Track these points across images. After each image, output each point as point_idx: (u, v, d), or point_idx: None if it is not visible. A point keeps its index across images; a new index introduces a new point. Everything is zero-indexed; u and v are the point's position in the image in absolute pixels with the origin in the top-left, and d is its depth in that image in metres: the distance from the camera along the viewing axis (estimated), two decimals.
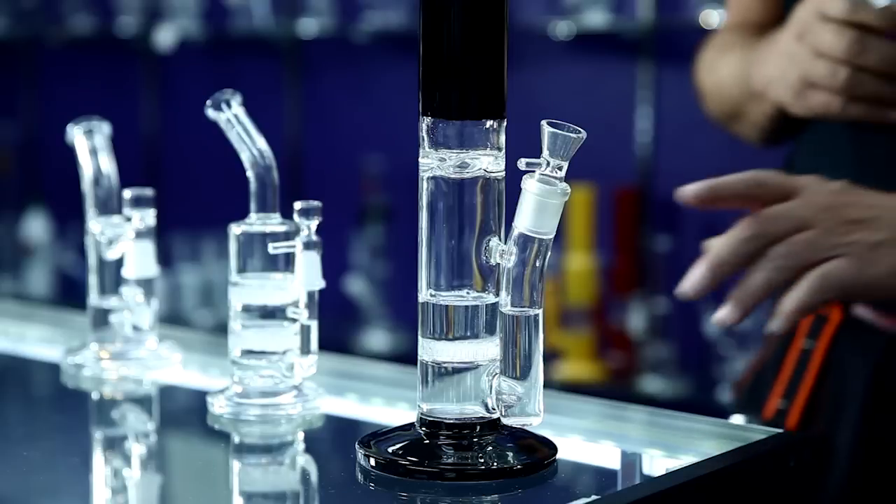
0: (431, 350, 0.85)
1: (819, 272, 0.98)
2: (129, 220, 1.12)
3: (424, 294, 0.85)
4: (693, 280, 0.99)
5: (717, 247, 0.99)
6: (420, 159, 0.85)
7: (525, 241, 0.82)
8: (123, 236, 1.12)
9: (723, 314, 0.99)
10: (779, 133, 1.33)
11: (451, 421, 0.85)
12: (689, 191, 1.01)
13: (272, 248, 0.98)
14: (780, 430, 0.94)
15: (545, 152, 0.81)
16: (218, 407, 0.99)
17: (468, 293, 0.84)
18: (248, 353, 0.99)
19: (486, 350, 0.85)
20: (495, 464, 0.84)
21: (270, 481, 0.91)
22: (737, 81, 1.32)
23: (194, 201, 3.80)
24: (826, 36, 1.13)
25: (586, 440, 0.97)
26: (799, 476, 0.93)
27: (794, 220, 0.99)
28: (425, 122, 0.84)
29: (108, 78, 4.15)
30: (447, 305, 0.84)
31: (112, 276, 1.13)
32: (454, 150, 0.83)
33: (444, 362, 0.85)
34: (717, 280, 0.99)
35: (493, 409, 0.85)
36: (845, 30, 1.13)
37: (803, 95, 1.18)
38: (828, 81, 1.15)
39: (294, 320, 0.99)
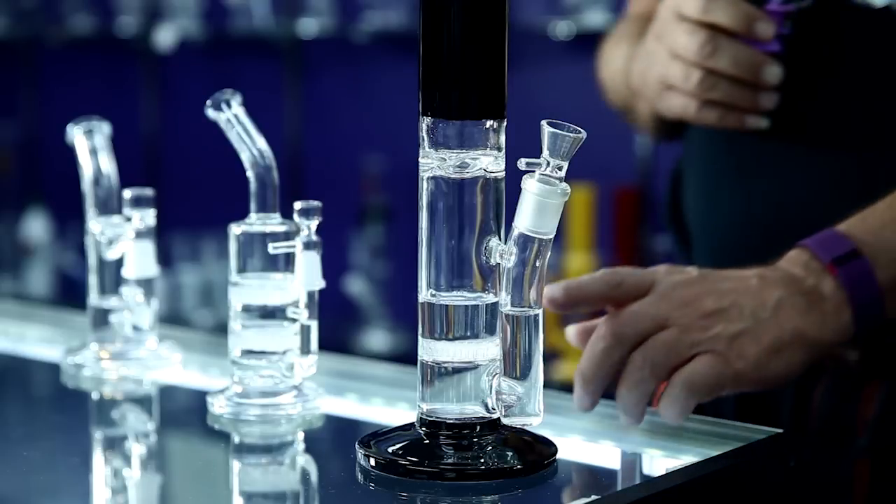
0: (431, 350, 0.85)
1: (682, 377, 0.94)
2: (129, 220, 1.12)
3: (424, 294, 0.85)
4: (577, 401, 0.96)
5: (582, 364, 0.96)
6: (420, 159, 0.85)
7: (525, 241, 0.82)
8: (123, 236, 1.12)
9: (624, 422, 0.96)
10: (668, 130, 1.29)
11: (451, 421, 0.85)
12: (544, 296, 0.97)
13: (272, 248, 0.98)
14: (780, 431, 0.94)
15: (545, 152, 0.81)
16: (218, 407, 0.99)
17: (468, 293, 0.84)
18: (248, 353, 0.99)
19: (486, 350, 0.85)
20: (495, 464, 0.84)
21: (270, 481, 0.91)
22: (623, 77, 1.28)
23: (194, 201, 3.80)
24: (680, 37, 1.10)
25: (586, 440, 0.97)
26: (799, 476, 0.93)
27: (651, 319, 0.95)
28: (425, 122, 0.84)
29: (108, 78, 4.15)
30: (447, 305, 0.84)
31: (112, 276, 1.13)
32: (454, 150, 0.83)
33: (444, 362, 0.85)
34: (595, 394, 0.96)
35: (493, 409, 0.85)
36: (698, 30, 1.09)
37: (663, 97, 1.14)
38: (682, 84, 1.11)
39: (294, 320, 0.99)
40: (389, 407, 1.08)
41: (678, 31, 1.10)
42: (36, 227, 4.12)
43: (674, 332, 0.94)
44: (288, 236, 0.99)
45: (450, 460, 0.84)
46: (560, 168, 0.81)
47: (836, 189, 1.12)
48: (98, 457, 0.96)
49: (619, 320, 0.96)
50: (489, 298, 0.84)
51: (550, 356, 3.09)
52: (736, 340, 0.94)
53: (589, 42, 3.32)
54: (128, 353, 1.13)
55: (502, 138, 0.84)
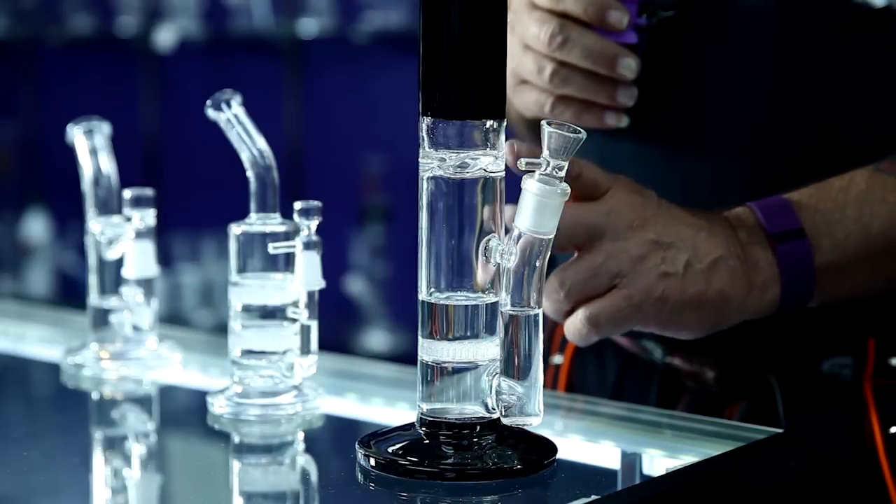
0: (431, 350, 0.85)
1: (589, 313, 0.93)
2: (129, 220, 1.12)
3: (424, 294, 0.85)
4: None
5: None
6: (420, 159, 0.85)
7: (525, 241, 0.82)
8: (123, 236, 1.12)
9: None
10: (533, 128, 1.17)
11: (451, 421, 0.85)
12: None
13: (272, 248, 0.98)
14: (780, 431, 0.94)
15: (545, 152, 0.81)
16: (218, 407, 0.99)
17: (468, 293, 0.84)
18: (248, 353, 0.99)
19: (486, 350, 0.85)
20: (495, 464, 0.84)
21: (270, 481, 0.91)
22: None
23: (194, 201, 3.79)
24: (531, 26, 1.02)
25: (586, 440, 0.97)
26: (799, 476, 0.93)
27: (589, 227, 0.93)
28: (425, 122, 0.84)
29: (108, 78, 4.15)
30: (447, 305, 0.84)
31: (112, 276, 1.13)
32: (454, 150, 0.83)
33: (445, 362, 0.85)
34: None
35: (493, 409, 0.85)
36: (550, 19, 1.01)
37: (518, 92, 1.06)
38: (535, 78, 1.03)
39: (294, 320, 0.99)
40: (389, 407, 1.08)
41: (529, 21, 1.02)
42: (36, 227, 4.12)
43: (599, 256, 0.93)
44: (288, 236, 0.99)
45: (450, 460, 0.84)
46: (560, 168, 0.81)
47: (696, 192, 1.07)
48: (98, 457, 0.96)
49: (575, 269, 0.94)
50: (489, 298, 0.84)
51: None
52: (662, 281, 0.93)
53: None
54: (128, 353, 1.13)
55: (502, 138, 0.84)
